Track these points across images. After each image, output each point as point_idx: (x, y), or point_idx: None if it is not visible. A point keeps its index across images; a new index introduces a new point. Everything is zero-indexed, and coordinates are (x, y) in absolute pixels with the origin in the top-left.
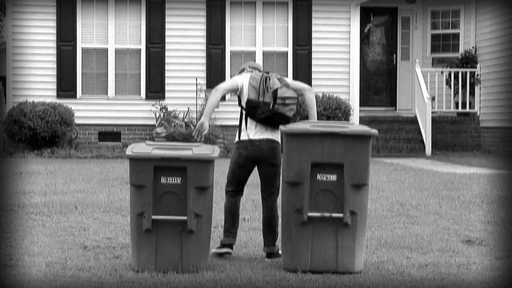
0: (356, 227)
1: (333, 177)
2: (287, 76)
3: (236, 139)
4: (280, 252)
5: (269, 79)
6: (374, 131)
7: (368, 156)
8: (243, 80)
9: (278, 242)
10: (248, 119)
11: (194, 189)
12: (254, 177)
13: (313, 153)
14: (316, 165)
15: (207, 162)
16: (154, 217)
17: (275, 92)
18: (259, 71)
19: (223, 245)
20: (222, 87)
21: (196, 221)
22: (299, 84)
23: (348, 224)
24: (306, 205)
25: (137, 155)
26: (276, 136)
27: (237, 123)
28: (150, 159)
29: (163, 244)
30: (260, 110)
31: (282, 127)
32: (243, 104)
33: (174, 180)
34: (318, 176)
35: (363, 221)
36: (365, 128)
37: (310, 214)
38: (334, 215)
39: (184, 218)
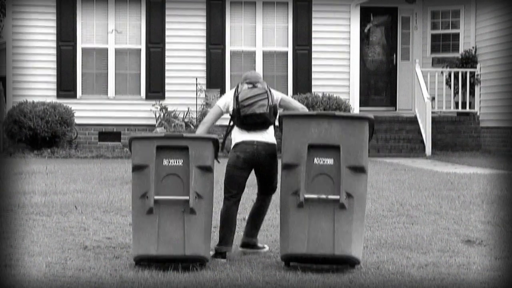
0: (353, 210)
1: (330, 161)
2: (287, 76)
3: (232, 144)
4: (259, 245)
5: (239, 89)
6: (371, 115)
7: (364, 138)
8: (227, 98)
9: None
10: (238, 128)
11: (196, 168)
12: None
13: (309, 135)
14: (313, 148)
15: (208, 140)
16: (156, 197)
17: (236, 98)
18: (249, 82)
19: (217, 253)
20: (207, 119)
21: (198, 201)
22: (295, 104)
23: (345, 206)
24: (303, 187)
25: (140, 136)
26: (269, 137)
27: None
28: (153, 138)
29: (165, 226)
30: (235, 119)
31: (280, 112)
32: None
33: (176, 162)
34: (316, 160)
35: (360, 207)
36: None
37: (306, 196)
38: (331, 197)
39: (187, 197)
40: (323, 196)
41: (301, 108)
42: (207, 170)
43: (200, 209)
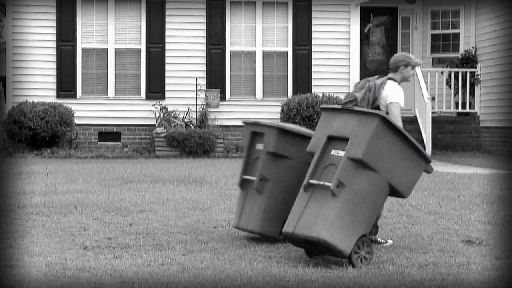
0: (341, 199)
1: (341, 153)
2: (287, 76)
3: None
4: (380, 240)
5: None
6: (383, 113)
7: (368, 134)
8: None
9: None
10: None
11: (266, 154)
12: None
13: (330, 127)
14: (332, 139)
15: (282, 131)
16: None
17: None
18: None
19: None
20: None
21: (264, 184)
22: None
23: (334, 194)
24: (309, 172)
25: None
26: None
27: (236, 123)
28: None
29: (246, 202)
30: None
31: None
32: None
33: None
34: (332, 151)
35: (352, 197)
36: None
37: (311, 181)
38: (326, 183)
39: (253, 178)
40: (321, 183)
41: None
42: (279, 157)
43: (263, 190)
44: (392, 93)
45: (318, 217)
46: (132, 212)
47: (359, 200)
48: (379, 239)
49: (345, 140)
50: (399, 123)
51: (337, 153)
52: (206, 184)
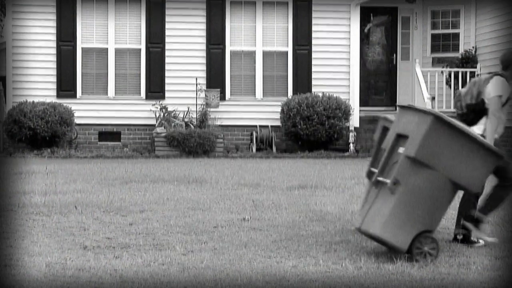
0: (396, 195)
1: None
2: (287, 76)
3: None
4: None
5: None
6: (438, 113)
7: (421, 133)
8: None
9: None
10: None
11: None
12: (254, 177)
13: (399, 124)
14: (400, 137)
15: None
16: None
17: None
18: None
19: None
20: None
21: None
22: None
23: (392, 191)
24: (379, 168)
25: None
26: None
27: (236, 123)
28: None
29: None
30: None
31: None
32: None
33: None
34: (400, 149)
35: (407, 195)
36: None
37: (378, 178)
38: (385, 180)
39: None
40: (381, 179)
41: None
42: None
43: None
44: (494, 88)
45: (378, 213)
46: (132, 212)
47: (415, 197)
48: (475, 239)
49: (407, 138)
50: (494, 118)
51: (402, 151)
52: (206, 184)
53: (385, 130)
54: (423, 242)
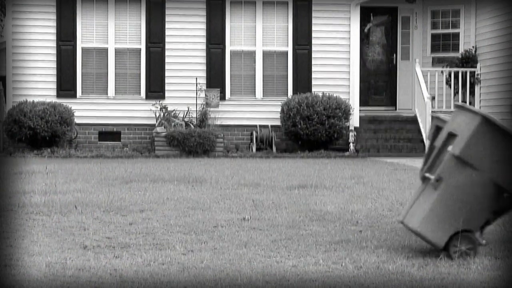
0: (438, 192)
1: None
2: (287, 75)
3: None
4: None
5: None
6: (487, 114)
7: (468, 133)
8: None
9: None
10: None
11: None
12: (254, 177)
13: (452, 123)
14: (451, 136)
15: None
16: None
17: None
18: None
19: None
20: None
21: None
22: None
23: (435, 187)
24: (428, 165)
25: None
26: None
27: (236, 122)
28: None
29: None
30: None
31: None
32: None
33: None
34: (449, 148)
35: (448, 192)
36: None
37: (425, 174)
38: (431, 176)
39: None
40: (427, 175)
41: None
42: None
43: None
44: None
45: (419, 208)
46: (132, 211)
47: (456, 195)
48: None
49: (454, 136)
50: None
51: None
52: (206, 183)
53: (438, 129)
54: (461, 241)
